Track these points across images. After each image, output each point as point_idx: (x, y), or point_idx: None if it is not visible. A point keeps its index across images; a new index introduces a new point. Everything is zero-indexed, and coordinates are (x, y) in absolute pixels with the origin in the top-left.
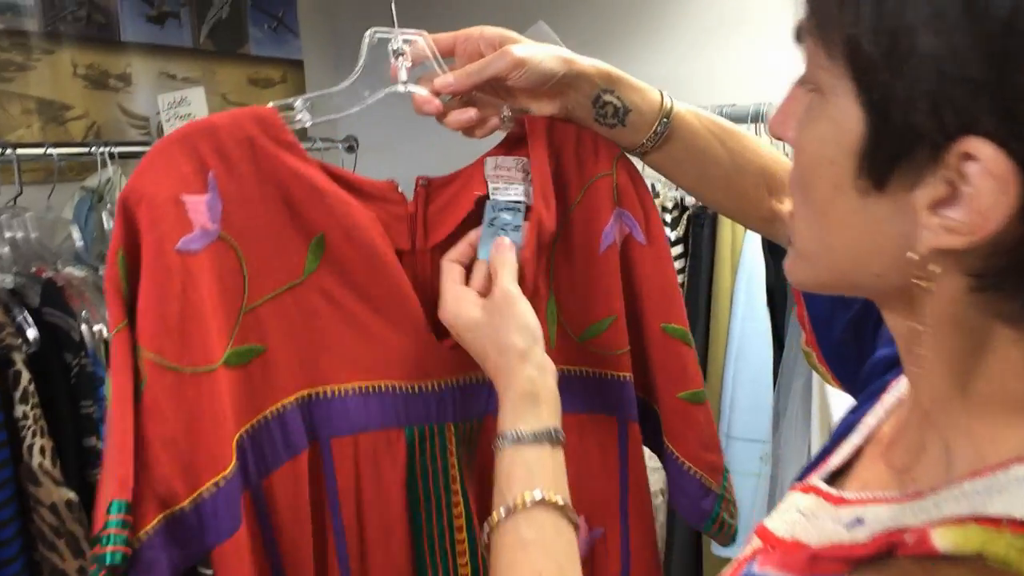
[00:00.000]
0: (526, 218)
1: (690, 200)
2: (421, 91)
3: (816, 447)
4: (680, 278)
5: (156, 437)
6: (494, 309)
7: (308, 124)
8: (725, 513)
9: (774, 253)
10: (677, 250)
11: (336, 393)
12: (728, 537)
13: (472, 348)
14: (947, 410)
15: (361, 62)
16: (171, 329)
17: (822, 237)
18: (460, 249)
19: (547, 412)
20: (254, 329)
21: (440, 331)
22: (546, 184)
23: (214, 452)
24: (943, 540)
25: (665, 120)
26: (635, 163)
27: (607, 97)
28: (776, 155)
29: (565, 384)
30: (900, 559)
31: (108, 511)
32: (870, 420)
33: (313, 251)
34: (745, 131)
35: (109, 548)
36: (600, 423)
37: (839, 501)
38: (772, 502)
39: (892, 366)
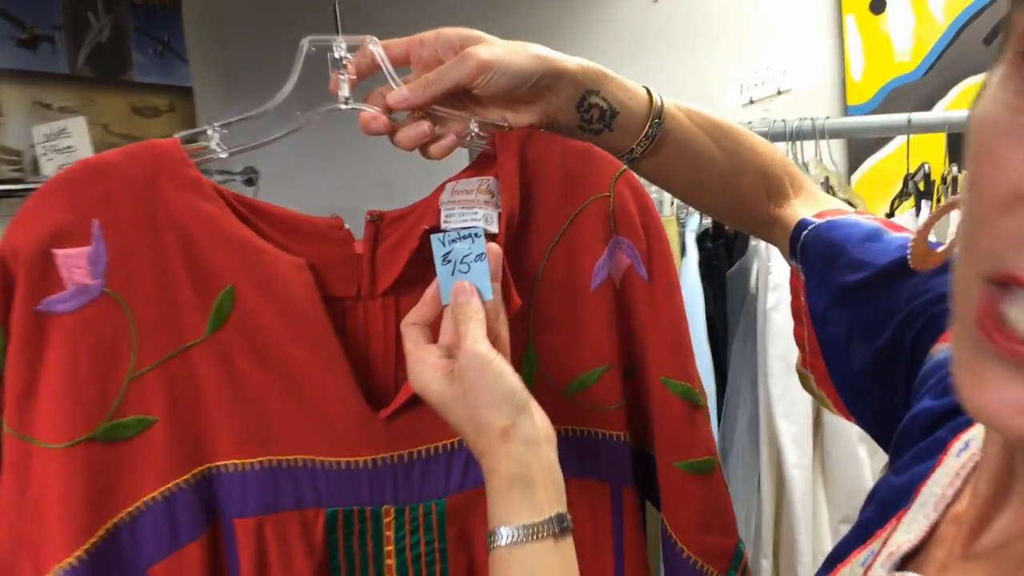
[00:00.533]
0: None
1: None
2: (368, 108)
3: (767, 488)
4: None
5: (2, 515)
6: (463, 378)
7: (224, 156)
8: None
9: (712, 280)
10: None
11: (239, 468)
12: None
13: (450, 424)
14: None
15: (294, 77)
16: (23, 400)
17: None
18: (419, 312)
19: (544, 496)
20: (143, 398)
21: (382, 397)
22: (518, 206)
23: (59, 536)
24: None
25: (657, 121)
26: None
27: (592, 99)
28: (774, 153)
29: None
30: None
31: None
32: (936, 490)
33: (219, 306)
34: (739, 126)
35: None
36: (590, 489)
37: None
38: None
39: (941, 421)
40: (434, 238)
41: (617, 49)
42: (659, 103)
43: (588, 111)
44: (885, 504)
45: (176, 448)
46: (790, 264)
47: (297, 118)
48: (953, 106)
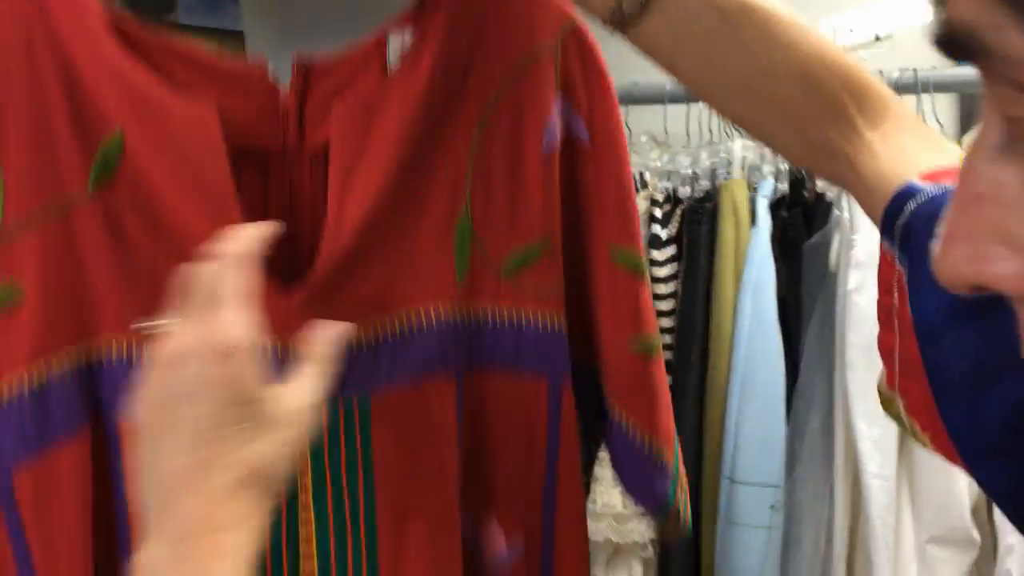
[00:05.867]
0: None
1: (684, 192)
2: None
3: (841, 501)
4: (672, 286)
5: None
6: (165, 370)
7: None
8: (680, 503)
9: (786, 255)
10: (669, 252)
11: (125, 355)
12: (679, 533)
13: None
14: None
15: None
16: None
17: None
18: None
19: None
20: (10, 262)
21: (297, 271)
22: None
23: None
24: None
25: None
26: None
27: None
28: (830, 54)
29: (476, 332)
30: None
31: None
32: None
33: (104, 157)
34: (787, 14)
35: None
36: (522, 385)
37: None
38: (785, 560)
39: None
40: None
41: None
42: None
43: None
44: None
45: (49, 328)
46: (881, 246)
47: None
48: None
